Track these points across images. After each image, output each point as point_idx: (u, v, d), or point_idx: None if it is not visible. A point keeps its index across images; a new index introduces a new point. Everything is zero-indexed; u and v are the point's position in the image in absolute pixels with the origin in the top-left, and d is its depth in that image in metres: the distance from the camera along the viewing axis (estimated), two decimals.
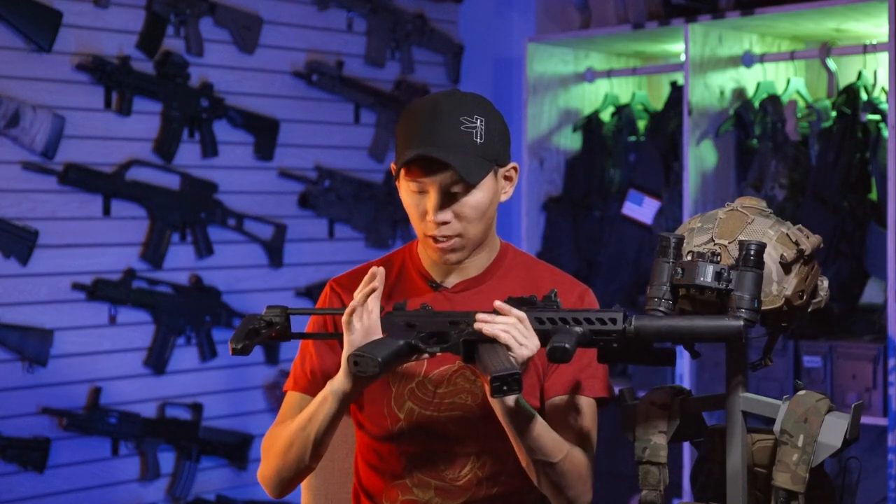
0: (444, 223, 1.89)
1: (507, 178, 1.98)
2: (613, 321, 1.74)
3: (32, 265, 3.51)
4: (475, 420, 1.96)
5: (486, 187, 1.91)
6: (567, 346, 1.69)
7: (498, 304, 1.76)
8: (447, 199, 1.88)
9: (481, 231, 1.94)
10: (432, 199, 1.88)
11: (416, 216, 1.93)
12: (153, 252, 3.75)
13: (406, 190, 1.93)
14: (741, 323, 1.73)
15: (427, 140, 1.86)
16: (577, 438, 1.92)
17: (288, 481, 1.95)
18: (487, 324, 1.73)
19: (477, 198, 1.90)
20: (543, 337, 1.75)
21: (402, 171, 1.91)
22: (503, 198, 1.98)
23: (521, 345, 1.72)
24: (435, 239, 1.91)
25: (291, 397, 2.00)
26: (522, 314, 1.74)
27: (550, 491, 1.88)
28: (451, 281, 2.00)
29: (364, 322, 1.80)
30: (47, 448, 3.51)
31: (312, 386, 1.97)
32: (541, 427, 1.81)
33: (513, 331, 1.72)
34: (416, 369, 1.96)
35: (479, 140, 1.88)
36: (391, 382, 1.97)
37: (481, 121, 1.89)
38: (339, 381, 1.83)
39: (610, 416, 2.36)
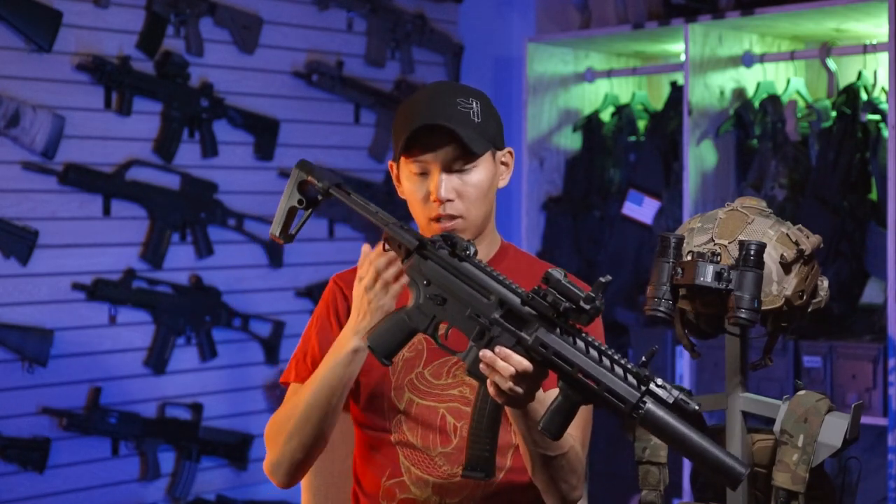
0: (448, 201, 1.90)
1: (504, 164, 2.00)
2: (621, 401, 1.61)
3: (32, 265, 3.51)
4: None
5: (486, 168, 1.94)
6: (554, 433, 1.68)
7: (501, 350, 1.66)
8: (449, 177, 1.90)
9: (483, 214, 1.95)
10: (435, 177, 1.90)
11: (417, 201, 1.94)
12: (153, 252, 3.75)
13: (407, 176, 1.94)
14: (745, 471, 1.59)
15: (427, 116, 1.89)
16: (572, 434, 1.91)
17: (300, 463, 1.93)
18: (489, 372, 1.67)
19: (478, 176, 1.92)
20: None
21: (402, 157, 1.92)
22: (501, 184, 2.00)
23: (518, 406, 1.71)
24: (438, 220, 1.92)
25: (295, 388, 1.99)
26: (528, 366, 1.65)
27: (544, 484, 1.88)
28: None
29: (385, 301, 1.80)
30: (47, 448, 3.50)
31: None
32: None
33: (515, 393, 1.66)
34: (415, 361, 1.97)
35: (476, 119, 1.91)
36: (391, 373, 1.98)
37: (476, 103, 1.93)
38: (349, 339, 1.83)
39: (610, 416, 2.36)
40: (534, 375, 1.66)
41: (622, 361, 1.63)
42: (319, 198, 1.86)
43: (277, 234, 1.88)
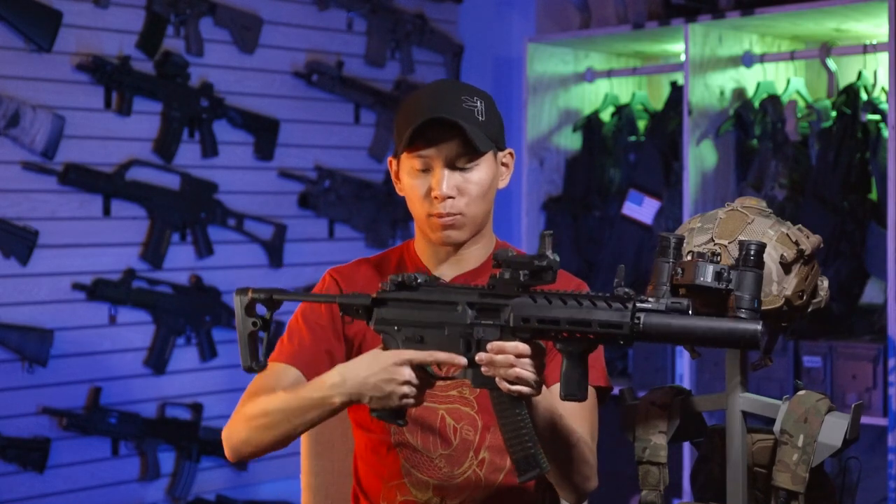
0: (449, 197, 1.90)
1: (504, 165, 2.00)
2: (618, 326, 1.64)
3: (32, 265, 3.51)
4: (473, 412, 1.97)
5: (488, 166, 1.94)
6: (578, 395, 1.69)
7: (492, 345, 1.69)
8: (452, 173, 1.91)
9: (482, 212, 1.95)
10: (437, 173, 1.90)
11: (418, 197, 1.93)
12: (153, 252, 3.75)
13: (408, 172, 1.94)
14: (758, 325, 1.61)
15: (433, 111, 1.89)
16: (580, 424, 1.92)
17: (251, 453, 1.92)
18: (493, 371, 1.69)
19: (480, 174, 1.92)
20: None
21: (405, 152, 1.92)
22: (501, 185, 2.00)
23: (533, 388, 1.70)
24: (438, 216, 1.92)
25: (274, 366, 1.97)
26: (524, 347, 1.68)
27: (557, 477, 1.88)
28: (449, 274, 2.00)
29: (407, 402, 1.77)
30: (47, 448, 3.51)
31: (297, 357, 1.97)
32: (555, 414, 1.81)
33: (524, 377, 1.68)
34: None
35: (480, 117, 1.91)
36: None
37: (481, 102, 1.93)
38: (340, 396, 1.79)
39: (610, 416, 2.36)
40: (533, 353, 1.69)
41: (599, 295, 1.67)
42: (268, 314, 1.86)
43: (250, 365, 1.85)
